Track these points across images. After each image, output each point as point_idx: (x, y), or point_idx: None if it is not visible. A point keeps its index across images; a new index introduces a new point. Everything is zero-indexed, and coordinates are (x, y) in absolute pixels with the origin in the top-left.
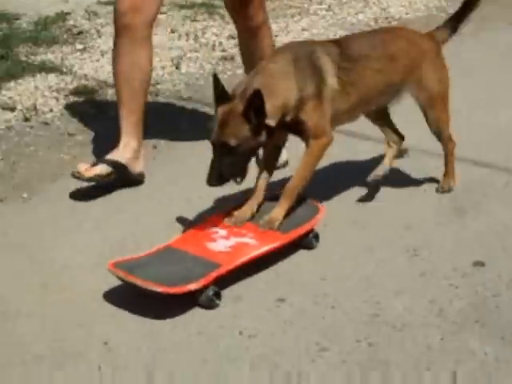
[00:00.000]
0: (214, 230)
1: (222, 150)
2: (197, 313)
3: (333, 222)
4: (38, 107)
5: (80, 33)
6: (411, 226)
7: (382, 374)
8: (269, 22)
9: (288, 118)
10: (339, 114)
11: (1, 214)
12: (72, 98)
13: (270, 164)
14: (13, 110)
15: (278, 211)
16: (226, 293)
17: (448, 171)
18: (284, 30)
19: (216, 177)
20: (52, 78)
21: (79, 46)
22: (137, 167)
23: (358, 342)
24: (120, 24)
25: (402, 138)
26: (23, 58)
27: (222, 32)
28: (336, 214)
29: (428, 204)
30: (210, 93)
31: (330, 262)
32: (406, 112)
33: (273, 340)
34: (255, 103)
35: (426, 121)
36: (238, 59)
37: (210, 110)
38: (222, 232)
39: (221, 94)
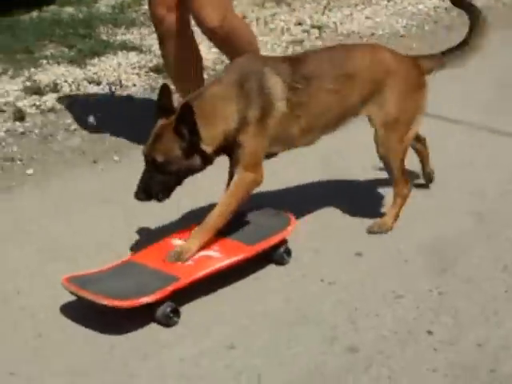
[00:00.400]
0: (178, 242)
1: (150, 165)
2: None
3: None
4: (122, 82)
5: None
6: (477, 193)
7: (452, 316)
8: (235, 24)
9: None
10: (290, 137)
11: (95, 173)
12: (153, 75)
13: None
14: (98, 83)
15: (191, 242)
16: (306, 245)
17: (390, 212)
18: (348, 17)
19: (142, 191)
20: (133, 56)
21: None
22: None
23: (429, 292)
24: (162, 29)
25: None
26: (104, 38)
27: (289, 19)
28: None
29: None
30: None
31: (403, 222)
32: None
33: (352, 288)
34: (185, 119)
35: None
36: (307, 43)
37: None
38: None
39: (164, 107)
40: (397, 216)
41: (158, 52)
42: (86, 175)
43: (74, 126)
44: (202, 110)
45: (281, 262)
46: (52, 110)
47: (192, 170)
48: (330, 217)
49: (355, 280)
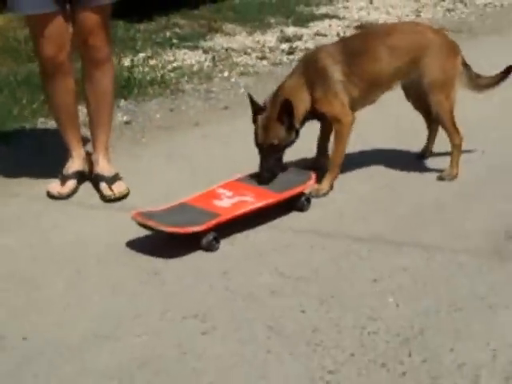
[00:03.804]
0: (222, 191)
1: (268, 150)
2: None
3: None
4: None
5: None
6: None
7: None
8: (112, 59)
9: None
10: (356, 99)
11: None
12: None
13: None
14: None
15: (324, 183)
16: None
17: (452, 162)
18: None
19: (268, 173)
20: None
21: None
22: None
23: None
24: (50, 66)
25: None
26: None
27: None
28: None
29: None
30: None
31: None
32: None
33: None
34: (287, 110)
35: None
36: None
37: None
38: (229, 193)
39: (257, 107)
40: (458, 163)
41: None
42: None
43: None
44: (291, 100)
45: (301, 208)
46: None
47: (291, 143)
48: None
49: None
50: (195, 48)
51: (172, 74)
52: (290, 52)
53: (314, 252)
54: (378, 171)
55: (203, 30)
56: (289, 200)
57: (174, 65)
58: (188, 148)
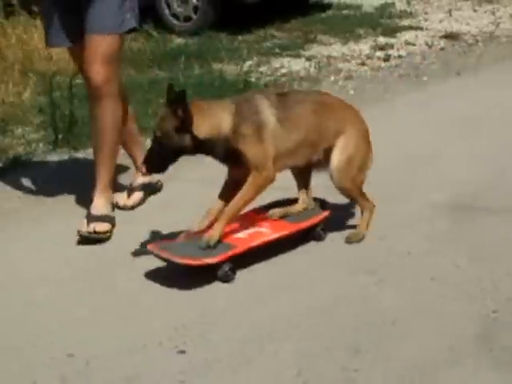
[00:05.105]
0: (239, 221)
1: (154, 139)
2: None
3: None
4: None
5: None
6: None
7: None
8: (118, 97)
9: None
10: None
11: None
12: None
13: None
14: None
15: (214, 231)
16: None
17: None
18: None
19: (146, 162)
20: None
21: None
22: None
23: None
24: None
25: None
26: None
27: None
28: None
29: None
30: None
31: None
32: None
33: None
34: (178, 100)
35: None
36: None
37: None
38: (245, 224)
39: (173, 96)
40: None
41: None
42: None
43: None
44: (199, 105)
45: (318, 238)
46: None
47: (182, 148)
48: None
49: None
50: (297, 56)
51: (282, 79)
52: (386, 59)
53: None
54: None
55: (300, 41)
56: (305, 231)
57: (283, 71)
58: None
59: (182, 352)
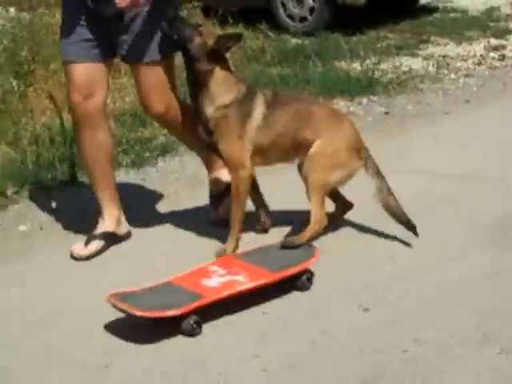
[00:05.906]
0: (215, 269)
1: (188, 24)
2: None
3: None
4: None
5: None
6: None
7: None
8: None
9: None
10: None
11: None
12: None
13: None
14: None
15: (229, 242)
16: None
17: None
18: None
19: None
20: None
21: None
22: (123, 229)
23: None
24: (77, 114)
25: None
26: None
27: None
28: None
29: None
30: None
31: None
32: None
33: None
34: (233, 37)
35: None
36: None
37: None
38: (222, 271)
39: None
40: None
41: None
42: None
43: None
44: (228, 68)
45: (302, 288)
46: None
47: (189, 55)
48: None
49: None
50: (414, 55)
51: (403, 76)
52: (501, 59)
53: None
54: None
55: (414, 41)
56: (288, 279)
57: (403, 69)
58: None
59: None
